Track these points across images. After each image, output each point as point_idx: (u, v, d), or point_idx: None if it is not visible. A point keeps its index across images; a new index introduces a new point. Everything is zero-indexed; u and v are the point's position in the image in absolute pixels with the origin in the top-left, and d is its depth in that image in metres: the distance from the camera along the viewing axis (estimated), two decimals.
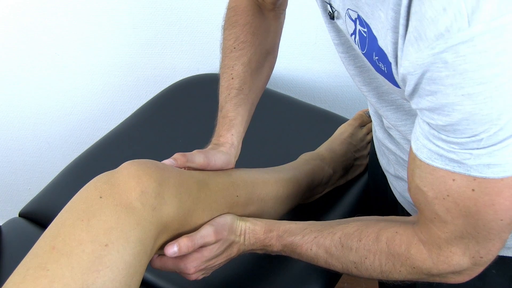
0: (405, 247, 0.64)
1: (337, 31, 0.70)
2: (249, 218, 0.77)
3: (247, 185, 0.78)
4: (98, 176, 0.67)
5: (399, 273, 0.66)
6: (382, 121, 0.78)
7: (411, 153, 0.57)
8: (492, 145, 0.50)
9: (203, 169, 0.76)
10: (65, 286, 0.57)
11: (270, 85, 1.28)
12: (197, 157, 0.75)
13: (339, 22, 0.66)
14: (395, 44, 0.53)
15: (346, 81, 1.32)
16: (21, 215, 1.05)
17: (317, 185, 0.93)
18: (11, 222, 1.04)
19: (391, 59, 0.55)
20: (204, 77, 1.28)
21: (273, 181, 0.83)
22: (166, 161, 0.73)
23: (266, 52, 0.87)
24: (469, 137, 0.50)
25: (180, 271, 0.73)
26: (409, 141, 0.72)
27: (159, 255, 0.72)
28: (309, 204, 0.96)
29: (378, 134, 0.81)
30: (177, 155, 0.74)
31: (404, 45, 0.51)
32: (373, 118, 0.83)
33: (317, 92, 1.35)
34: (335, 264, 0.71)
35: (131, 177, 0.65)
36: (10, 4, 1.22)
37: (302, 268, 0.89)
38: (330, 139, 1.01)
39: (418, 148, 0.55)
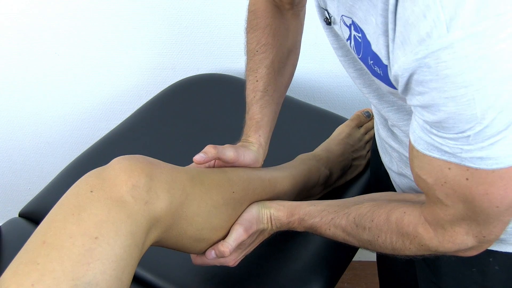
0: (412, 227, 0.67)
1: (335, 35, 0.71)
2: (273, 204, 0.80)
3: (243, 181, 0.79)
4: (89, 172, 0.67)
5: (409, 250, 0.69)
6: (386, 120, 0.80)
7: (410, 144, 0.59)
8: (480, 142, 0.51)
9: (232, 162, 0.80)
10: (55, 279, 0.57)
11: None
12: (228, 151, 0.80)
13: (336, 28, 0.67)
14: (388, 47, 0.55)
15: (346, 81, 1.32)
16: (21, 215, 1.05)
17: (314, 185, 0.93)
18: (11, 222, 1.04)
19: (385, 61, 0.56)
20: (204, 77, 1.28)
21: (269, 178, 0.84)
22: (197, 156, 0.77)
23: (288, 51, 0.89)
24: (456, 134, 0.52)
25: (221, 264, 0.79)
26: None
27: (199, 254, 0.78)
28: None
29: (381, 133, 0.82)
30: (208, 148, 0.78)
31: (394, 49, 0.53)
32: (376, 117, 0.84)
33: (317, 92, 1.35)
34: (353, 241, 0.76)
35: (122, 171, 0.65)
36: (10, 4, 1.22)
37: (302, 268, 0.89)
38: (327, 140, 1.02)
39: (415, 139, 0.57)
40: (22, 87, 1.36)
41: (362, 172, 1.03)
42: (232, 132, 1.12)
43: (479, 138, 0.51)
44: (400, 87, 0.54)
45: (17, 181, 1.54)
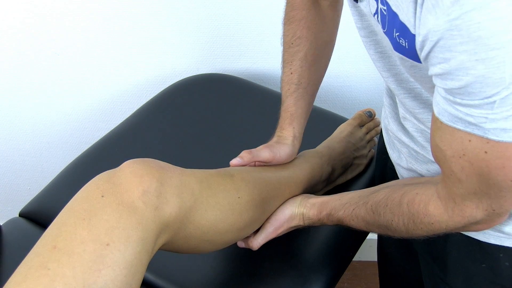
0: (423, 205, 0.68)
1: (360, 15, 0.72)
2: (307, 203, 0.84)
3: (248, 186, 0.79)
4: (99, 174, 0.67)
5: (421, 230, 0.70)
6: (396, 113, 0.80)
7: (433, 116, 0.59)
8: (506, 110, 0.51)
9: (269, 162, 0.85)
10: (66, 285, 0.57)
11: (271, 85, 1.28)
12: (263, 152, 0.84)
13: (362, 5, 0.68)
14: (416, 14, 0.54)
15: (346, 81, 1.32)
16: (21, 215, 1.05)
17: (317, 182, 0.94)
18: (11, 222, 1.04)
19: (413, 31, 0.56)
20: (204, 77, 1.28)
21: (275, 180, 0.84)
22: (234, 161, 0.81)
23: (323, 43, 0.91)
24: (482, 99, 0.51)
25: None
26: (422, 133, 0.75)
27: None
28: None
29: (391, 127, 0.83)
30: (243, 153, 0.83)
31: (422, 13, 0.52)
32: (387, 110, 0.85)
33: (317, 92, 1.34)
34: (373, 229, 0.78)
35: (133, 176, 0.65)
36: (10, 4, 1.22)
37: (302, 268, 0.89)
38: (329, 138, 1.02)
39: (439, 112, 0.57)
40: (22, 87, 1.36)
41: (364, 171, 1.03)
42: (232, 132, 1.13)
43: (504, 105, 0.50)
44: (424, 52, 0.54)
45: (17, 181, 1.54)
